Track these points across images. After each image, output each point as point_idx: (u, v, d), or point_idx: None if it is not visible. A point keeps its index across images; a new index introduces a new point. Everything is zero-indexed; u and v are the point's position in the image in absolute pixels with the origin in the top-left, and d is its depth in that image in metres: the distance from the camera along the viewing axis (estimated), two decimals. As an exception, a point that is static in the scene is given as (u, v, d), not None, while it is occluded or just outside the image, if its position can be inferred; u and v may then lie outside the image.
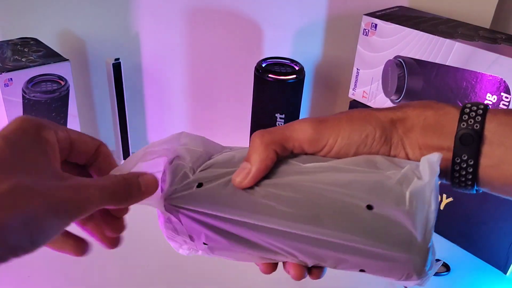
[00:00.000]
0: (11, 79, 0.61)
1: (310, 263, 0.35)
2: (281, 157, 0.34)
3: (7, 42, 0.70)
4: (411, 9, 0.80)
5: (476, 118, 0.32)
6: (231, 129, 0.91)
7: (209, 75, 0.87)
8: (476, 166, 0.33)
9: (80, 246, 0.35)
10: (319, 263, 0.34)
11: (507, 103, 0.63)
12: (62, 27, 0.79)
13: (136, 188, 0.32)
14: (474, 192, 0.35)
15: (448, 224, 0.73)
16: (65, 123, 0.68)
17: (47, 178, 0.28)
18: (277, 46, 0.87)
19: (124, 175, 0.33)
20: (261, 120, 0.77)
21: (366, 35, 0.75)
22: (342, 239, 0.31)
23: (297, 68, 0.76)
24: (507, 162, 0.32)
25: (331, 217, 0.31)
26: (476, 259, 0.71)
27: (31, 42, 0.71)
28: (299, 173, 0.34)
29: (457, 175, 0.33)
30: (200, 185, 0.34)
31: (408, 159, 0.34)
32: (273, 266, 0.37)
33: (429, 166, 0.31)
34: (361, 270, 0.33)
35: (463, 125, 0.32)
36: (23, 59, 0.64)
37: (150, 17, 0.80)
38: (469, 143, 0.32)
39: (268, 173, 0.34)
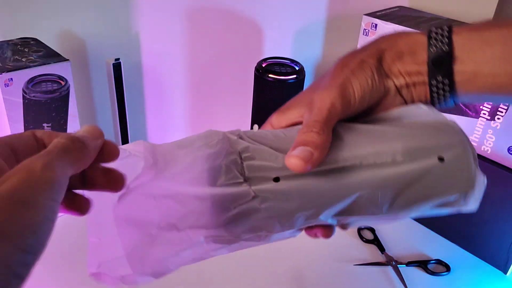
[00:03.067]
0: (11, 79, 0.61)
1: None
2: None
3: (7, 42, 0.70)
4: (411, 9, 0.80)
5: (443, 40, 0.35)
6: (231, 129, 0.91)
7: (209, 75, 0.87)
8: (452, 84, 0.35)
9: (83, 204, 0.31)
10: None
11: (507, 103, 0.63)
12: (62, 27, 0.79)
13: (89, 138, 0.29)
14: (453, 104, 0.37)
15: (448, 224, 0.73)
16: (65, 123, 0.68)
17: None
18: (277, 46, 0.87)
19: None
20: (261, 120, 0.77)
21: (366, 35, 0.75)
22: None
23: (297, 68, 0.76)
24: (480, 75, 0.34)
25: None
26: (476, 259, 0.71)
27: (31, 42, 0.70)
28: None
29: (436, 95, 0.36)
30: (277, 179, 0.33)
31: (396, 87, 0.37)
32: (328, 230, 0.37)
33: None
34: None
35: (433, 49, 0.35)
36: (23, 59, 0.64)
37: (150, 17, 0.80)
38: (441, 64, 0.35)
39: None
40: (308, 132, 0.33)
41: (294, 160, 0.32)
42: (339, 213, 0.34)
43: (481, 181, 0.35)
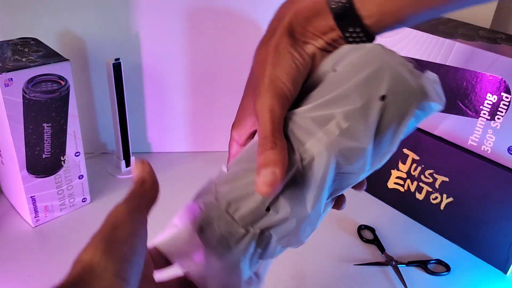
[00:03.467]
0: (11, 79, 0.61)
1: None
2: None
3: (7, 42, 0.70)
4: (411, 9, 0.80)
5: None
6: (230, 128, 0.91)
7: (209, 75, 0.87)
8: (365, 30, 0.36)
9: None
10: None
11: (507, 103, 0.63)
12: (62, 27, 0.79)
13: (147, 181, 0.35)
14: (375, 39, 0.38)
15: (448, 224, 0.73)
16: (65, 123, 0.68)
17: None
18: (277, 46, 0.87)
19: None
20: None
21: (366, 35, 0.75)
22: None
23: (297, 68, 0.76)
24: (386, 13, 0.35)
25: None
26: (476, 259, 0.71)
27: (31, 42, 0.70)
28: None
29: (354, 42, 0.37)
30: (268, 209, 0.35)
31: (319, 48, 0.37)
32: None
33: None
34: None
35: (333, 6, 0.35)
36: (23, 59, 0.64)
37: (150, 17, 0.80)
38: (346, 17, 0.35)
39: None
40: (263, 152, 0.33)
41: (262, 188, 0.33)
42: (331, 195, 0.36)
43: (430, 82, 0.34)
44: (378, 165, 0.36)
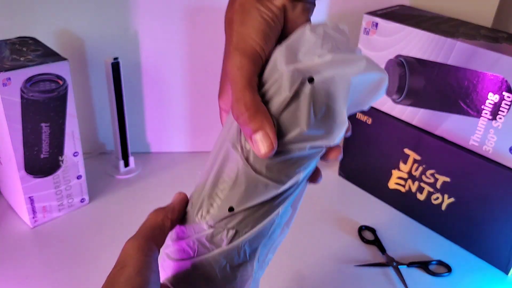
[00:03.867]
0: (9, 78, 0.60)
1: None
2: None
3: (5, 41, 0.69)
4: (412, 8, 0.80)
5: None
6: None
7: (209, 75, 0.86)
8: None
9: None
10: None
11: (509, 102, 0.62)
12: (60, 26, 0.79)
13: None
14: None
15: (450, 225, 0.73)
16: (63, 123, 0.68)
17: None
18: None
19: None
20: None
21: (367, 34, 0.75)
22: None
23: (297, 68, 0.75)
24: None
25: None
26: (478, 259, 0.71)
27: (30, 41, 0.70)
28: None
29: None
30: (231, 209, 0.37)
31: (283, 4, 0.36)
32: None
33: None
34: None
35: None
36: (21, 59, 0.64)
37: (149, 16, 0.80)
38: None
39: None
40: (241, 116, 0.32)
41: (262, 152, 0.32)
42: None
43: (361, 56, 0.33)
44: (341, 132, 0.35)
